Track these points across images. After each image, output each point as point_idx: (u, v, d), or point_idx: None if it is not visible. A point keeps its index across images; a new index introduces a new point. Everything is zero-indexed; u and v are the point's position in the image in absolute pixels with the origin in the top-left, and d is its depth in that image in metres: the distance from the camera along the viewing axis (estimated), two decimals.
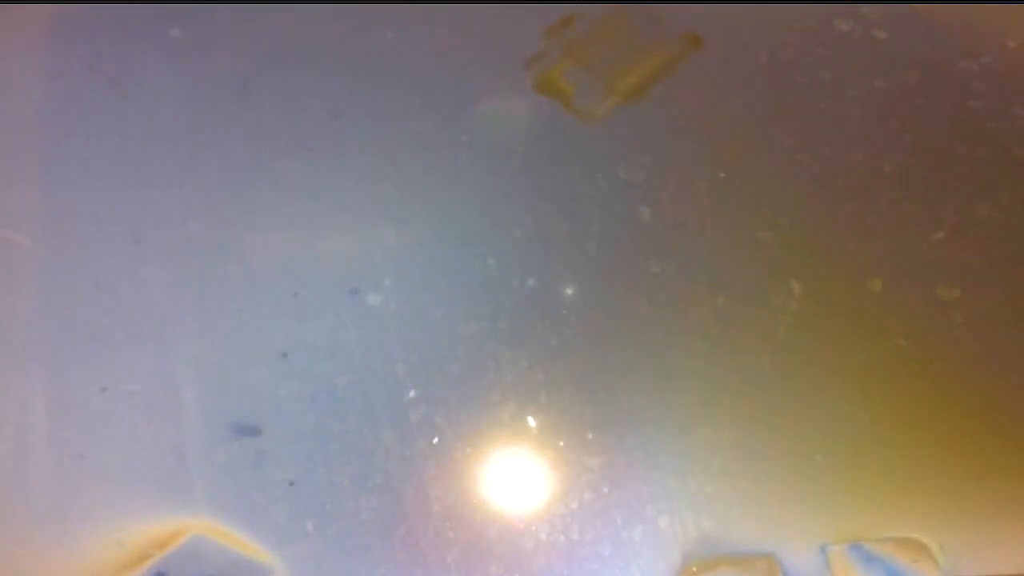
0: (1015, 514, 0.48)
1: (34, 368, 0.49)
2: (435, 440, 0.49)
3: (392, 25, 0.57)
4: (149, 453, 0.48)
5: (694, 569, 0.47)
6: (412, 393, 0.50)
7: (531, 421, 0.50)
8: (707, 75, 0.57)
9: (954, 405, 0.50)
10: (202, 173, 0.54)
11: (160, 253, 0.52)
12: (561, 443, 0.49)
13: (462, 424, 0.49)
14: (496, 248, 0.53)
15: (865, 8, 0.59)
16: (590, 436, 0.49)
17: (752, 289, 0.52)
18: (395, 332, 0.51)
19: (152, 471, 0.48)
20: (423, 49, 0.57)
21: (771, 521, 0.48)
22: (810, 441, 0.49)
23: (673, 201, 0.54)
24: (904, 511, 0.48)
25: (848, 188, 0.54)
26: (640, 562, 0.47)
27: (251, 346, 0.50)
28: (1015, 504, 0.48)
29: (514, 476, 0.49)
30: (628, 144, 0.55)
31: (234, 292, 0.51)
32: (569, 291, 0.52)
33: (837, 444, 0.49)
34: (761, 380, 0.50)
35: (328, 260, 0.52)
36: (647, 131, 0.56)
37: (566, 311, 0.51)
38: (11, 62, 0.56)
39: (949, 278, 0.52)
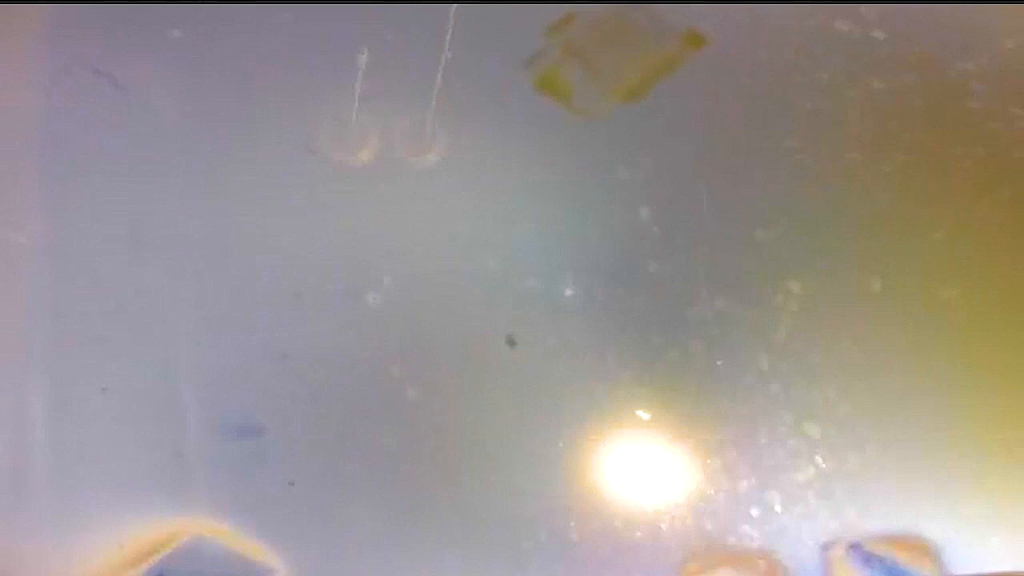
0: (1015, 514, 0.48)
1: (34, 368, 0.49)
2: (434, 440, 0.49)
3: (392, 25, 0.57)
4: (149, 453, 0.48)
5: (694, 569, 0.47)
6: (412, 393, 0.50)
7: (530, 422, 0.50)
8: (707, 75, 0.57)
9: (954, 405, 0.50)
10: (202, 173, 0.54)
11: (160, 253, 0.52)
12: (560, 444, 0.49)
13: (461, 424, 0.49)
14: (496, 248, 0.53)
15: (864, 8, 0.59)
16: (590, 437, 0.49)
17: (752, 289, 0.52)
18: (395, 332, 0.51)
19: (152, 471, 0.48)
20: (423, 49, 0.57)
21: (771, 521, 0.48)
22: (810, 441, 0.49)
23: (673, 201, 0.54)
24: (904, 511, 0.48)
25: (848, 188, 0.54)
26: (640, 562, 0.47)
27: (251, 346, 0.50)
28: (1015, 504, 0.48)
29: (513, 476, 0.49)
30: (628, 144, 0.55)
31: (234, 292, 0.51)
32: (569, 291, 0.52)
33: (837, 444, 0.49)
34: (761, 380, 0.50)
35: (328, 260, 0.52)
36: (647, 131, 0.56)
37: (566, 311, 0.51)
38: (11, 62, 0.56)
39: (949, 278, 0.52)
